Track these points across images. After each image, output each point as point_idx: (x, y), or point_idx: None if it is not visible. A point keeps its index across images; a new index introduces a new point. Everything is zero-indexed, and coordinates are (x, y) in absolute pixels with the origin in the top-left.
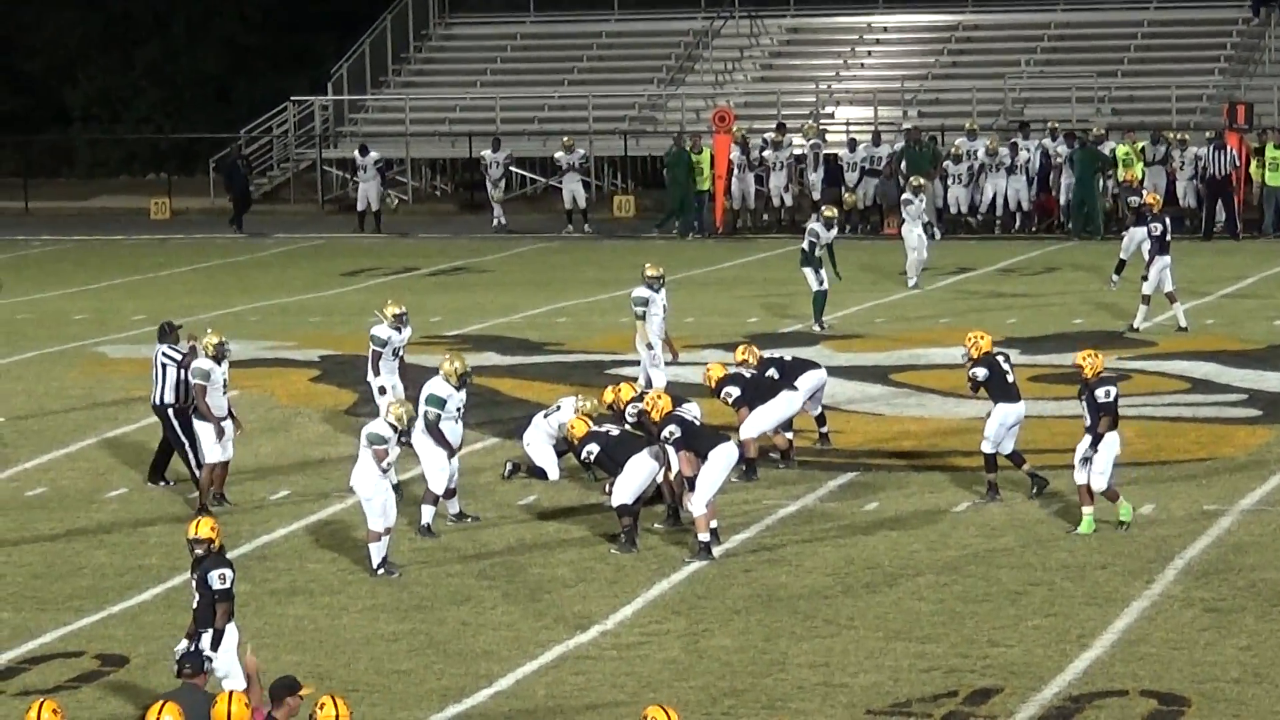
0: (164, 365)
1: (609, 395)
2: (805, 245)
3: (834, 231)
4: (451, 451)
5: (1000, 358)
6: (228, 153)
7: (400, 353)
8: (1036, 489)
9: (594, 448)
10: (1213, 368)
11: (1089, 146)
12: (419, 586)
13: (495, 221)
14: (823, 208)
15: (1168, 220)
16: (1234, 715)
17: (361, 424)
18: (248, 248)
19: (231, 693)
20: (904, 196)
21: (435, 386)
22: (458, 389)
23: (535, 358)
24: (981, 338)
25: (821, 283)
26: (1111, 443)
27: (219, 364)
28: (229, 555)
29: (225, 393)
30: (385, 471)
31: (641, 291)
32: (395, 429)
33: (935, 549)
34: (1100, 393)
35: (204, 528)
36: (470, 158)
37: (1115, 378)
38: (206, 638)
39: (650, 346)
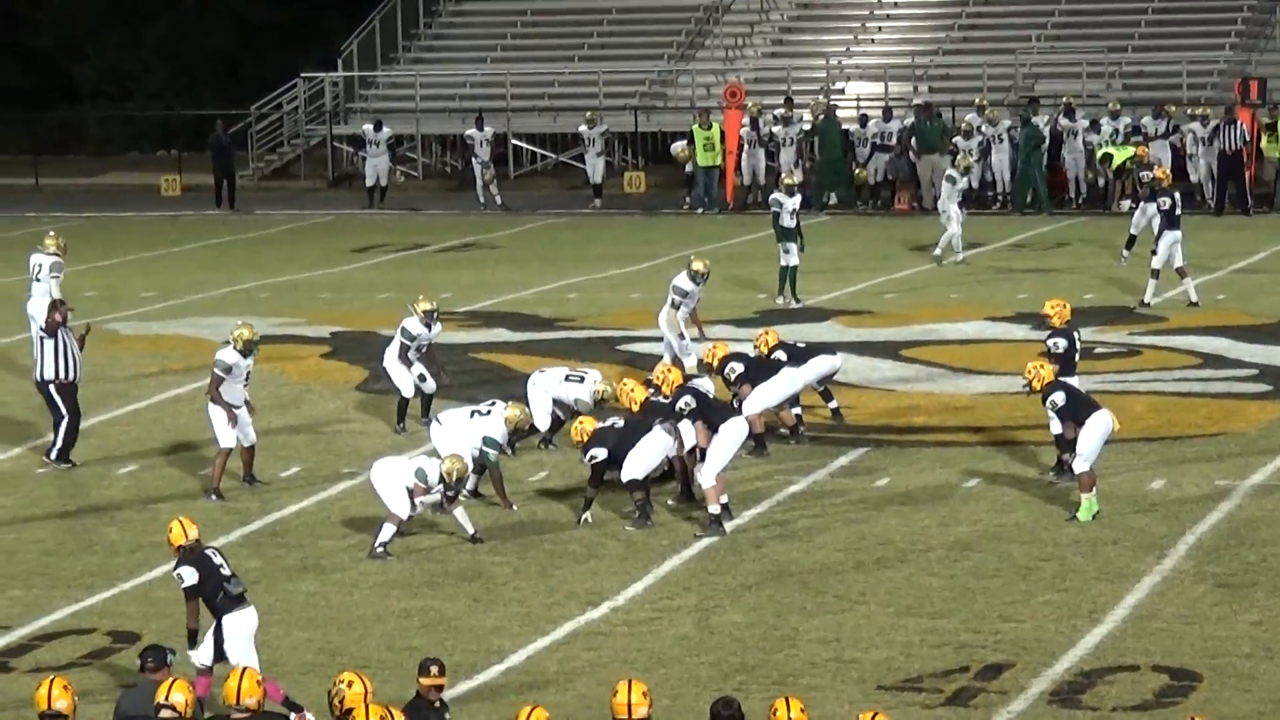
0: (40, 339)
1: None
2: (771, 215)
3: (797, 198)
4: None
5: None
6: (214, 133)
7: (427, 348)
8: (1056, 472)
9: (600, 453)
10: (1224, 343)
11: (1031, 122)
12: (430, 563)
13: (486, 201)
14: (783, 176)
15: (1177, 195)
16: (1245, 690)
17: (372, 401)
18: (257, 224)
19: (245, 669)
20: (949, 173)
21: (493, 428)
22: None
23: (546, 334)
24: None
25: (789, 255)
26: (1096, 424)
27: (245, 357)
28: (242, 532)
29: (247, 383)
30: (414, 506)
31: (685, 283)
32: (444, 482)
33: (946, 524)
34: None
35: (171, 534)
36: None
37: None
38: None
39: (682, 336)
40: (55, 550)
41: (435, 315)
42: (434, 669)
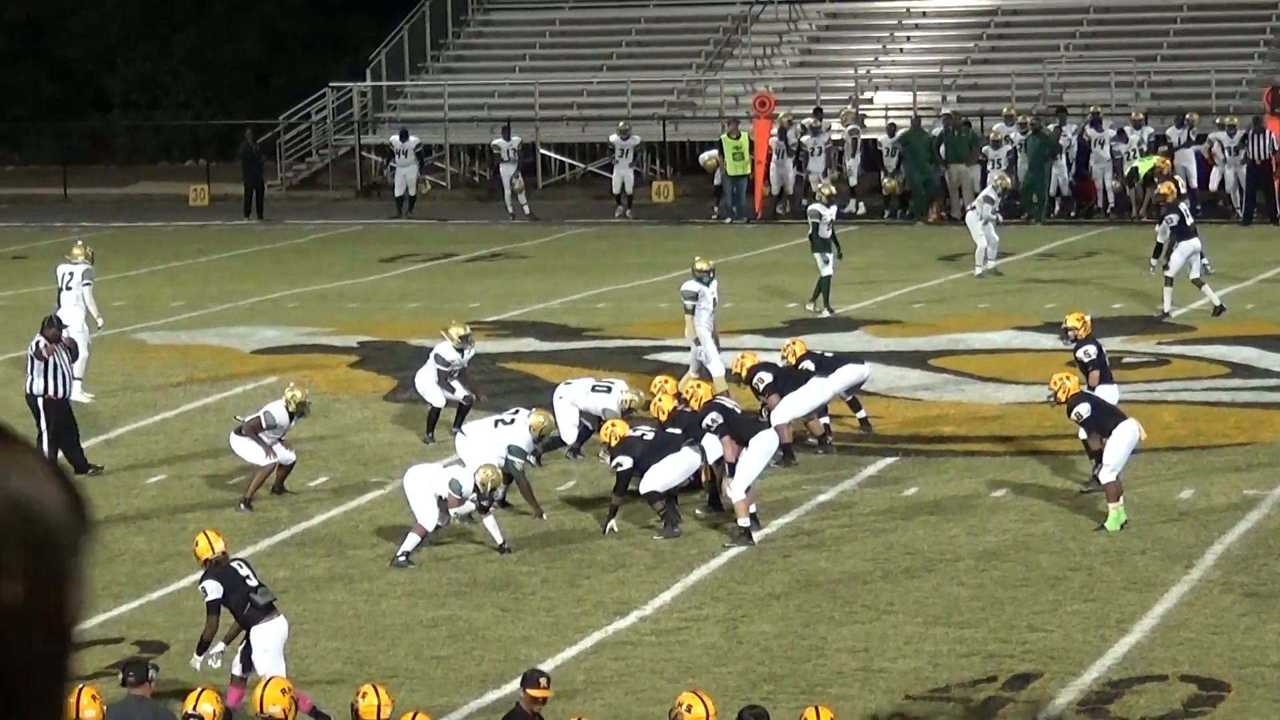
0: (31, 359)
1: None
2: (810, 228)
3: (834, 209)
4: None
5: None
6: (244, 142)
7: (461, 370)
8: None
9: (625, 461)
10: (1252, 352)
11: (1041, 132)
12: (457, 573)
13: (514, 211)
14: (820, 186)
15: (1183, 206)
16: (1274, 699)
17: (401, 410)
18: (285, 234)
19: (271, 678)
20: (986, 193)
21: (518, 437)
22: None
23: (574, 343)
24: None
25: (828, 265)
26: (1123, 435)
27: (292, 419)
28: (270, 541)
29: (283, 436)
30: (445, 515)
31: (690, 285)
32: (478, 492)
33: (974, 534)
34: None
35: (198, 547)
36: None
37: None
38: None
39: (698, 341)
40: None
41: (469, 340)
42: (543, 681)
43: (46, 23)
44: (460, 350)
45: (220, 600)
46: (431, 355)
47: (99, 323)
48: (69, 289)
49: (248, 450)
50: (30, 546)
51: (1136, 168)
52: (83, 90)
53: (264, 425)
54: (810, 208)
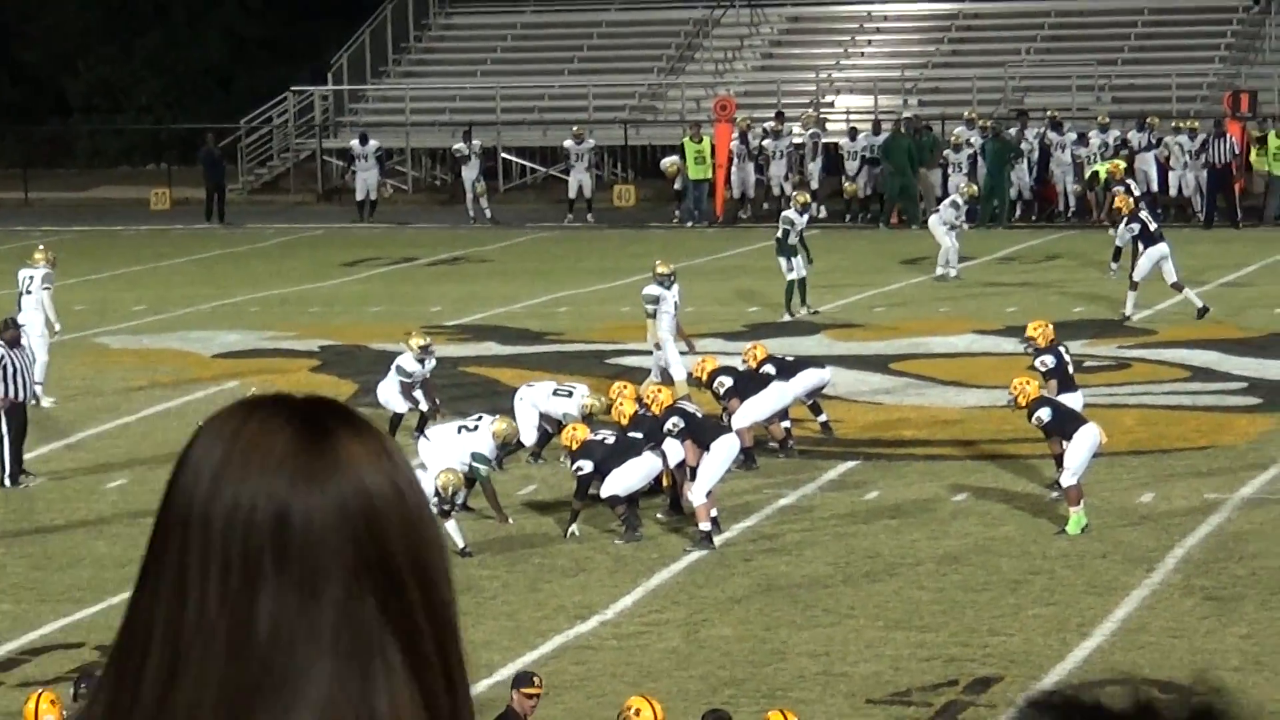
0: None
1: (625, 399)
2: (779, 233)
3: (806, 217)
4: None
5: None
6: (205, 146)
7: (423, 381)
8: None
9: (586, 465)
10: (1213, 356)
11: (1000, 136)
12: None
13: (476, 215)
14: (795, 194)
15: (1143, 215)
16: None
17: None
18: (247, 238)
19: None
20: (952, 199)
21: (481, 443)
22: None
23: (535, 347)
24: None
25: (792, 270)
26: (1084, 439)
27: None
28: None
29: None
30: None
31: (652, 289)
32: (439, 496)
33: (935, 538)
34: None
35: None
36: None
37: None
38: None
39: (659, 346)
40: (43, 565)
41: (430, 350)
42: (536, 680)
43: (7, 27)
44: (421, 361)
45: None
46: (393, 367)
47: (57, 327)
48: (29, 293)
49: None
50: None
51: (1096, 172)
52: (44, 94)
53: None
54: (783, 214)
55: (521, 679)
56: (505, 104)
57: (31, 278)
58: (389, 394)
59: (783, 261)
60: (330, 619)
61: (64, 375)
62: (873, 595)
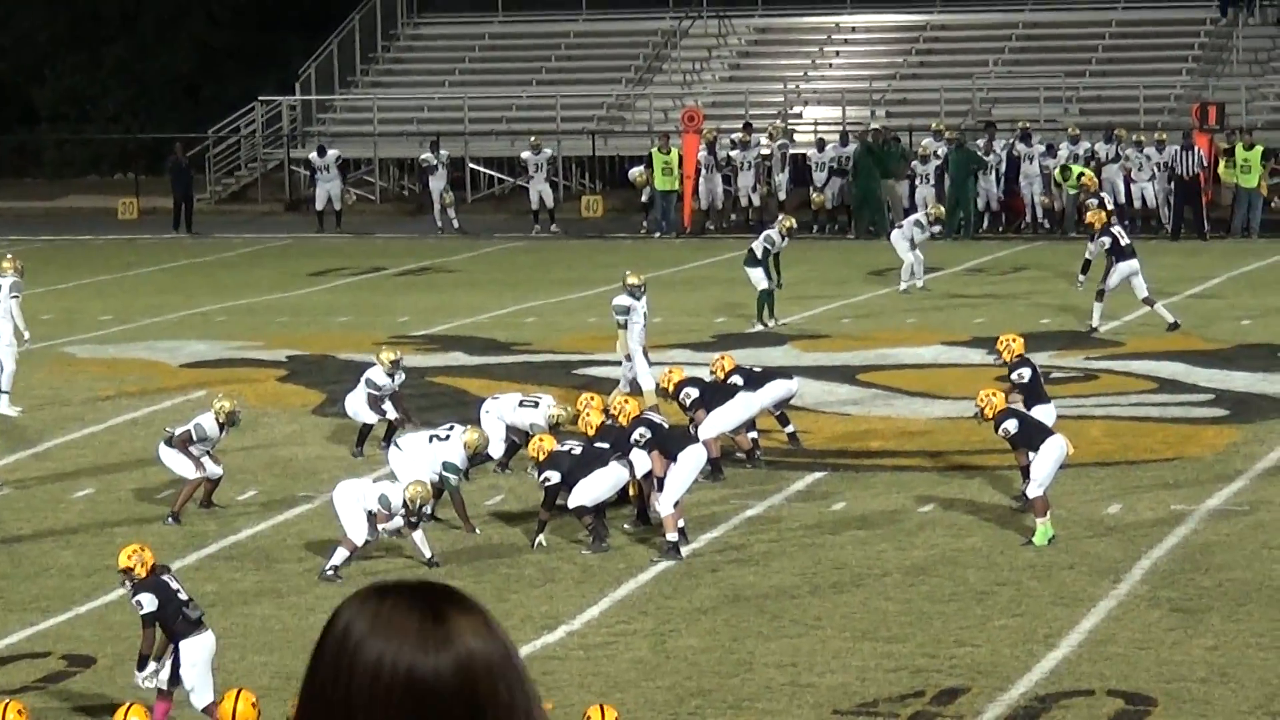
0: None
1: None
2: (758, 249)
3: (786, 243)
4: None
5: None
6: (173, 156)
7: (392, 394)
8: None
9: (553, 476)
10: (1180, 367)
11: (964, 147)
12: None
13: (443, 225)
14: (782, 218)
15: (1115, 230)
16: (1200, 715)
17: (329, 424)
18: (214, 248)
19: (240, 690)
20: (917, 218)
21: (452, 453)
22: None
23: (502, 358)
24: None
25: (769, 280)
26: (1050, 450)
27: (222, 431)
28: (198, 555)
29: (213, 449)
30: (374, 530)
31: (622, 300)
32: (407, 508)
33: (902, 549)
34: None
35: (121, 558)
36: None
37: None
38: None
39: (628, 357)
40: (10, 574)
41: (400, 365)
42: None
43: None
44: (391, 375)
45: (156, 613)
46: (362, 380)
47: (25, 336)
48: None
49: (177, 463)
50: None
51: (1069, 166)
52: (10, 103)
53: (194, 438)
54: (766, 232)
55: None
56: (473, 114)
57: (0, 286)
58: (357, 405)
59: (753, 272)
60: None
61: (31, 385)
62: (840, 606)
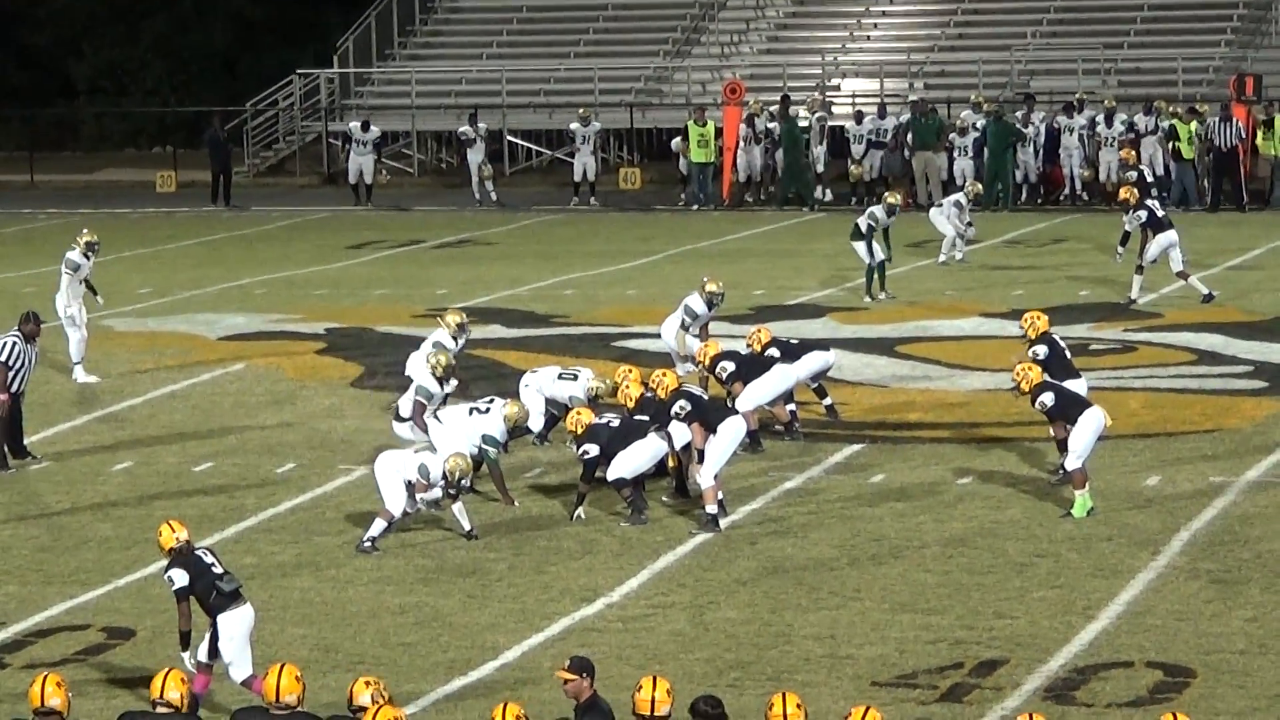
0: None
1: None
2: (862, 225)
3: (894, 219)
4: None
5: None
6: (211, 129)
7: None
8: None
9: (592, 448)
10: (1219, 339)
11: (1002, 119)
12: (425, 559)
13: (482, 197)
14: (887, 195)
15: (1151, 203)
16: (1239, 686)
17: (368, 397)
18: (252, 220)
19: (284, 664)
20: (956, 198)
21: (492, 426)
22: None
23: (541, 330)
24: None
25: (874, 255)
26: (1088, 422)
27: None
28: (237, 528)
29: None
30: (413, 500)
31: (697, 306)
32: (446, 479)
33: (941, 521)
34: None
35: (161, 537)
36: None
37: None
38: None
39: (690, 358)
40: (50, 546)
41: (465, 328)
42: (568, 663)
43: (14, 10)
44: (455, 338)
45: (188, 588)
46: (428, 341)
47: (99, 301)
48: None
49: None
50: None
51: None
52: (50, 77)
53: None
54: (871, 209)
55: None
56: (510, 87)
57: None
58: (419, 367)
59: (860, 247)
60: None
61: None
62: (878, 578)
